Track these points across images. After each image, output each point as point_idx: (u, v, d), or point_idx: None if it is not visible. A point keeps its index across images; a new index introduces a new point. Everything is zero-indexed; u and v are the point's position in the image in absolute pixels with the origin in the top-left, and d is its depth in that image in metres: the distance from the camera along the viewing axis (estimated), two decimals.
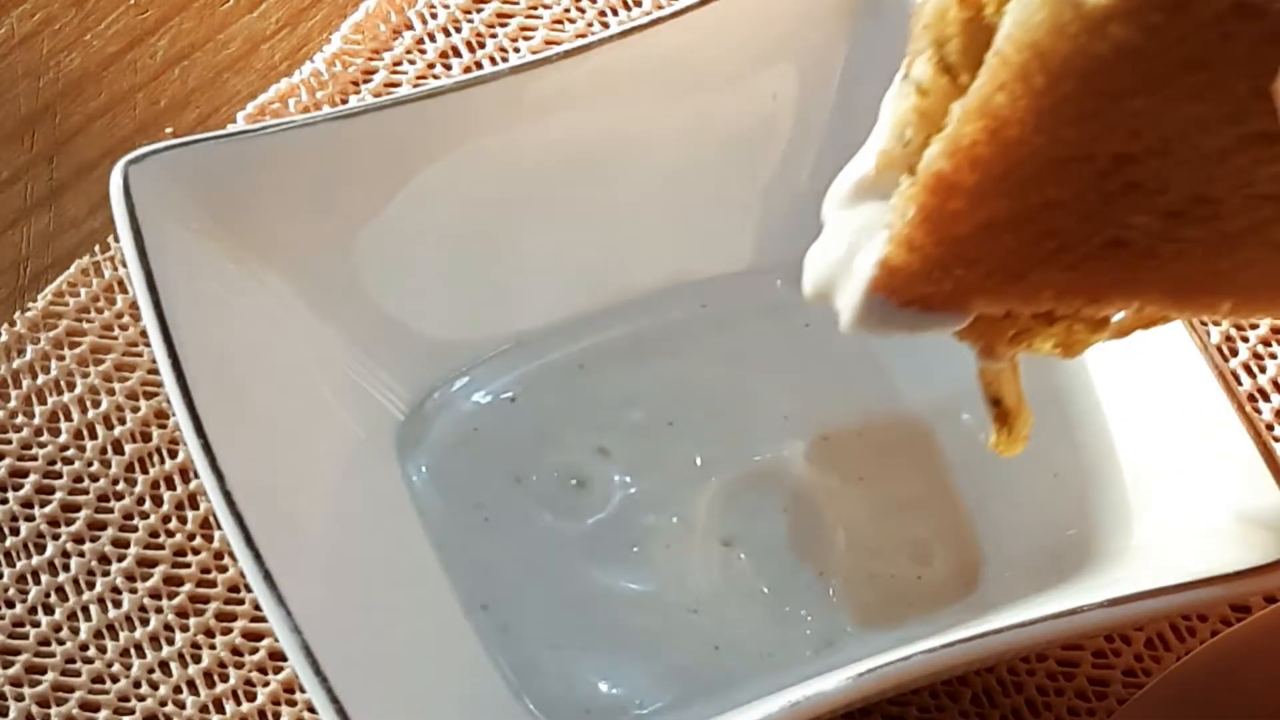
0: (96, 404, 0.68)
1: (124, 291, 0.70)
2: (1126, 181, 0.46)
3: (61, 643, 0.65)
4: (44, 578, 0.66)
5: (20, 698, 0.64)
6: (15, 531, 0.66)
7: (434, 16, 0.76)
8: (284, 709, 0.64)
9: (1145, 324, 0.52)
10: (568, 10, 0.76)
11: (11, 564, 0.66)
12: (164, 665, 0.64)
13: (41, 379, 0.69)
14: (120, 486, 0.67)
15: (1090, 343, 0.52)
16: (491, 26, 0.76)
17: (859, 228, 0.51)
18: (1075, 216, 0.47)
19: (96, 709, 0.64)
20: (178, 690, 0.64)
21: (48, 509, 0.67)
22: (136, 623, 0.65)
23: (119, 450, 0.68)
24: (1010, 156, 0.46)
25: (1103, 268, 0.48)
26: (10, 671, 0.64)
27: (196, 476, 0.66)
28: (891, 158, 0.51)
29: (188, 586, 0.65)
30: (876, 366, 0.68)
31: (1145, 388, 0.62)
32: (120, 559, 0.66)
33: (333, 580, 0.60)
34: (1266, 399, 0.69)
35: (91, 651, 0.64)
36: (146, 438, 0.68)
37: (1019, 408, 0.55)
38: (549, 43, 0.75)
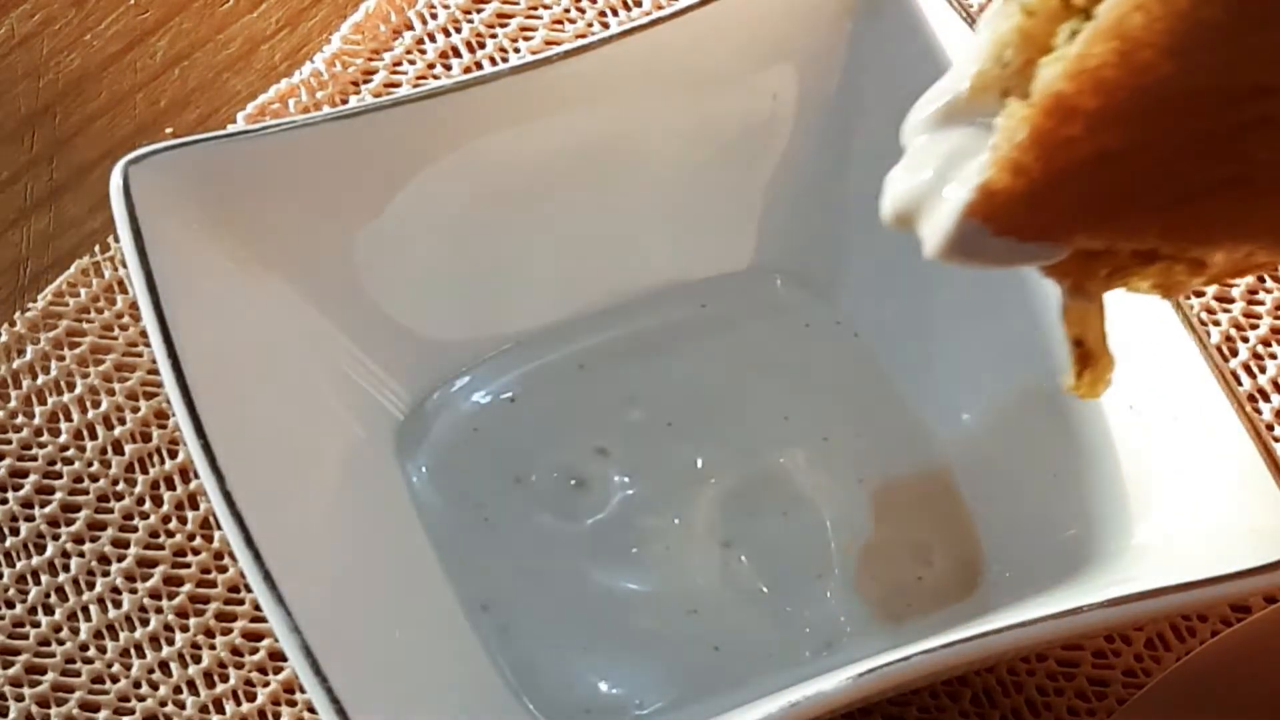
0: (96, 404, 0.68)
1: (124, 292, 0.70)
2: (1260, 115, 0.45)
3: (61, 643, 0.65)
4: (44, 578, 0.66)
5: (20, 698, 0.64)
6: (15, 532, 0.66)
7: (434, 17, 0.76)
8: (284, 709, 0.64)
9: (1247, 270, 0.51)
10: (568, 10, 0.76)
11: (11, 564, 0.66)
12: (164, 665, 0.64)
13: (41, 379, 0.69)
14: (120, 487, 0.67)
15: (1189, 285, 0.50)
16: (491, 27, 0.76)
17: (951, 151, 0.49)
18: (1198, 151, 0.45)
19: (96, 709, 0.64)
20: (178, 690, 0.64)
21: (48, 509, 0.67)
22: (136, 623, 0.65)
23: (119, 450, 0.67)
24: (1139, 82, 0.44)
25: (1218, 207, 0.46)
26: (10, 672, 0.64)
27: (196, 477, 0.66)
28: (988, 79, 0.49)
29: (188, 587, 0.65)
30: (877, 367, 0.68)
31: (1145, 388, 0.62)
32: (120, 559, 0.66)
33: (332, 580, 0.60)
34: (1266, 399, 0.69)
35: (91, 652, 0.64)
36: (146, 438, 0.68)
37: (1102, 349, 0.53)
38: (549, 43, 0.75)
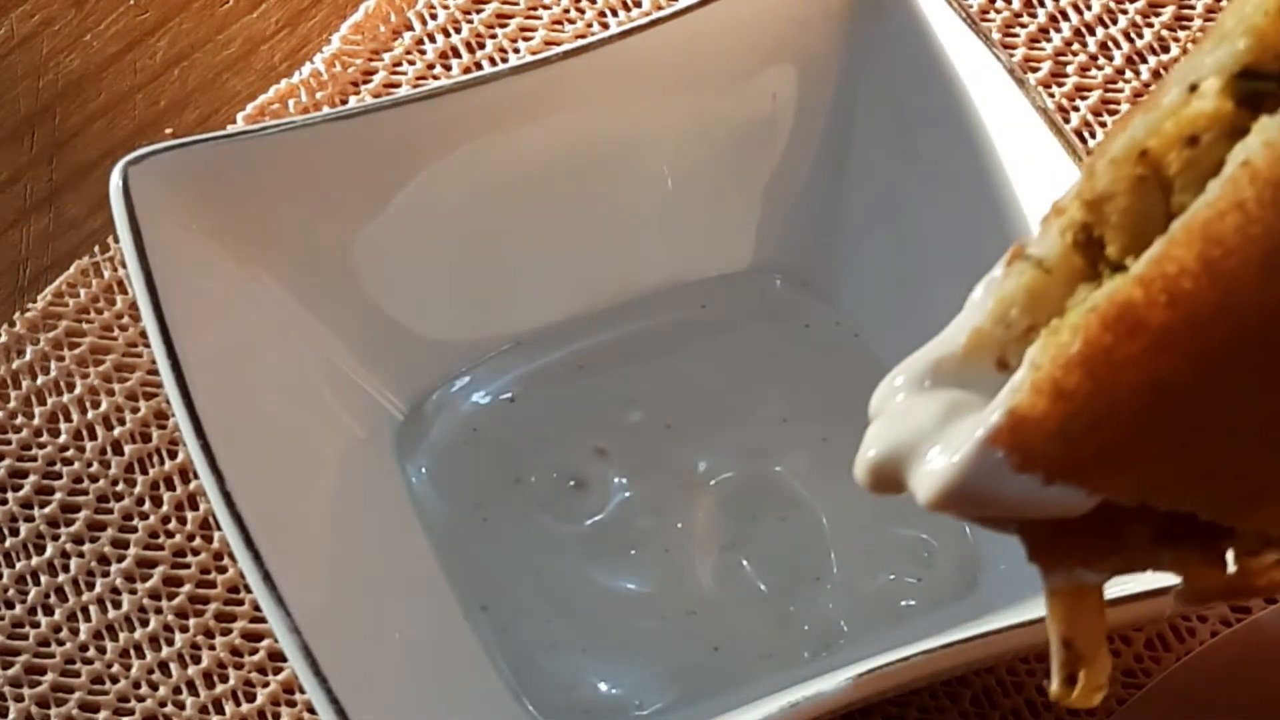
0: (96, 405, 0.68)
1: (124, 292, 0.70)
2: None
3: (61, 643, 0.65)
4: (43, 578, 0.66)
5: (20, 698, 0.64)
6: (15, 532, 0.66)
7: (434, 17, 0.76)
8: (283, 710, 0.64)
9: None
10: (568, 10, 0.76)
11: (11, 565, 0.66)
12: (164, 666, 0.64)
13: (41, 379, 0.69)
14: (120, 487, 0.67)
15: (1217, 590, 0.43)
16: (491, 27, 0.76)
17: (952, 403, 0.43)
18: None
19: (96, 710, 0.64)
20: (177, 691, 0.64)
21: (47, 510, 0.67)
22: (136, 623, 0.65)
23: (119, 451, 0.67)
24: (1223, 300, 0.38)
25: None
26: (10, 672, 0.64)
27: (196, 477, 0.66)
28: (985, 339, 0.43)
29: (187, 587, 0.65)
30: (877, 368, 0.68)
31: None
32: (120, 560, 0.66)
33: (332, 581, 0.60)
34: None
35: (91, 652, 0.64)
36: (146, 438, 0.68)
37: (1097, 651, 0.44)
38: (549, 43, 0.75)
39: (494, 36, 0.76)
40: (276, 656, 0.64)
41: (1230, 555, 0.43)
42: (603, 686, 0.62)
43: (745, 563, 0.64)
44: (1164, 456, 0.40)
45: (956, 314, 0.66)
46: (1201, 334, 0.38)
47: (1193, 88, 0.41)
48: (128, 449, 0.68)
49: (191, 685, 0.64)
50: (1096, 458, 0.40)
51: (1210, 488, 0.41)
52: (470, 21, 0.76)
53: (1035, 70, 0.74)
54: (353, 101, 0.74)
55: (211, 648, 0.64)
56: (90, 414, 0.68)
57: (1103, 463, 0.40)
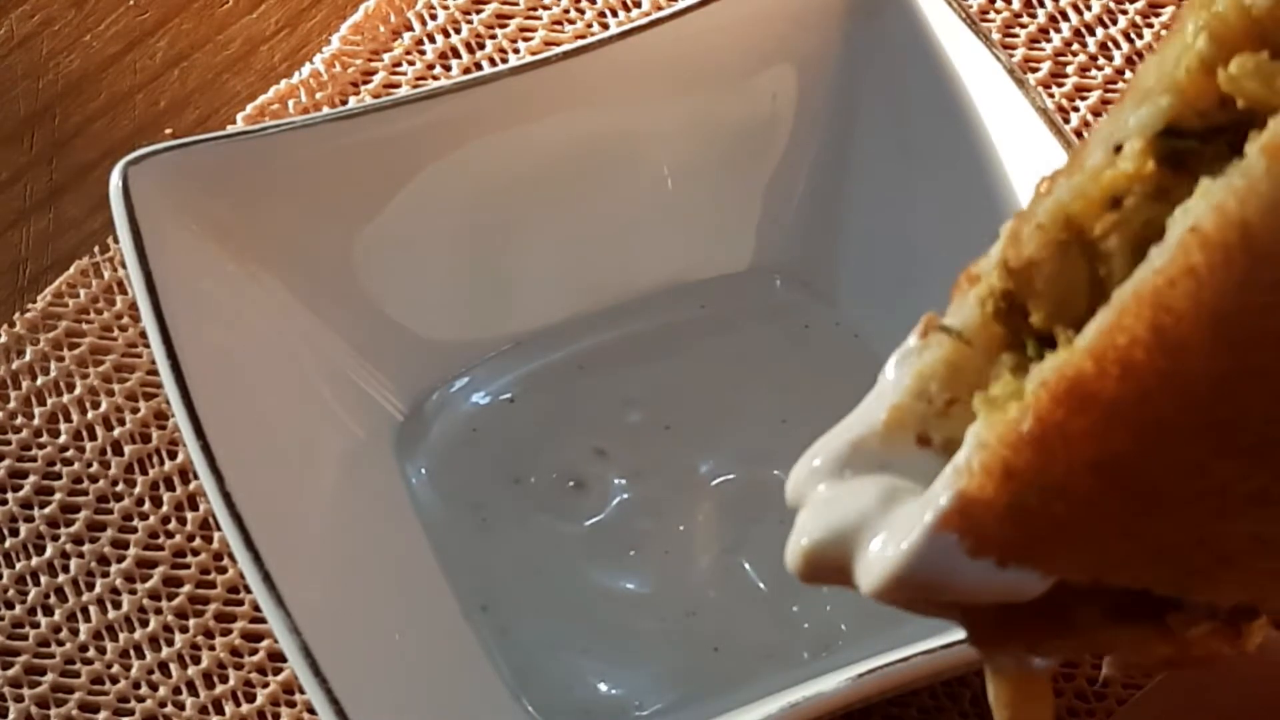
0: (96, 405, 0.68)
1: (123, 292, 0.70)
2: None
3: (61, 644, 0.65)
4: (43, 579, 0.66)
5: (20, 699, 0.64)
6: (15, 533, 0.66)
7: (433, 17, 0.76)
8: (283, 710, 0.64)
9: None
10: (567, 11, 0.76)
11: (11, 565, 0.66)
12: (163, 666, 0.64)
13: (41, 380, 0.69)
14: (120, 488, 0.67)
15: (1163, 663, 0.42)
16: (491, 27, 0.76)
17: (883, 489, 0.41)
18: (1243, 463, 0.38)
19: (96, 710, 0.64)
20: (177, 691, 0.64)
21: (47, 510, 0.67)
22: (136, 624, 0.65)
23: (118, 451, 0.67)
24: (1174, 366, 0.37)
25: (1241, 545, 0.39)
26: (10, 673, 0.64)
27: (196, 477, 0.66)
28: (905, 415, 0.42)
29: (187, 588, 0.65)
30: (877, 368, 0.68)
31: None
32: (120, 560, 0.66)
33: (332, 581, 0.60)
34: None
35: (91, 653, 0.64)
36: (146, 439, 0.68)
37: None
38: (549, 43, 0.75)
39: (494, 36, 0.76)
40: (276, 656, 0.64)
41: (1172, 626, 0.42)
42: (603, 687, 0.62)
43: (745, 563, 0.64)
44: (1119, 532, 0.39)
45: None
46: (1152, 405, 0.37)
47: (1117, 148, 0.40)
48: (128, 449, 0.67)
49: (191, 686, 0.64)
50: (1051, 537, 0.39)
51: (1167, 562, 0.40)
52: (470, 22, 0.76)
53: (1035, 70, 0.74)
54: (353, 101, 0.74)
55: (211, 648, 0.64)
56: (90, 414, 0.68)
57: (1058, 542, 0.39)
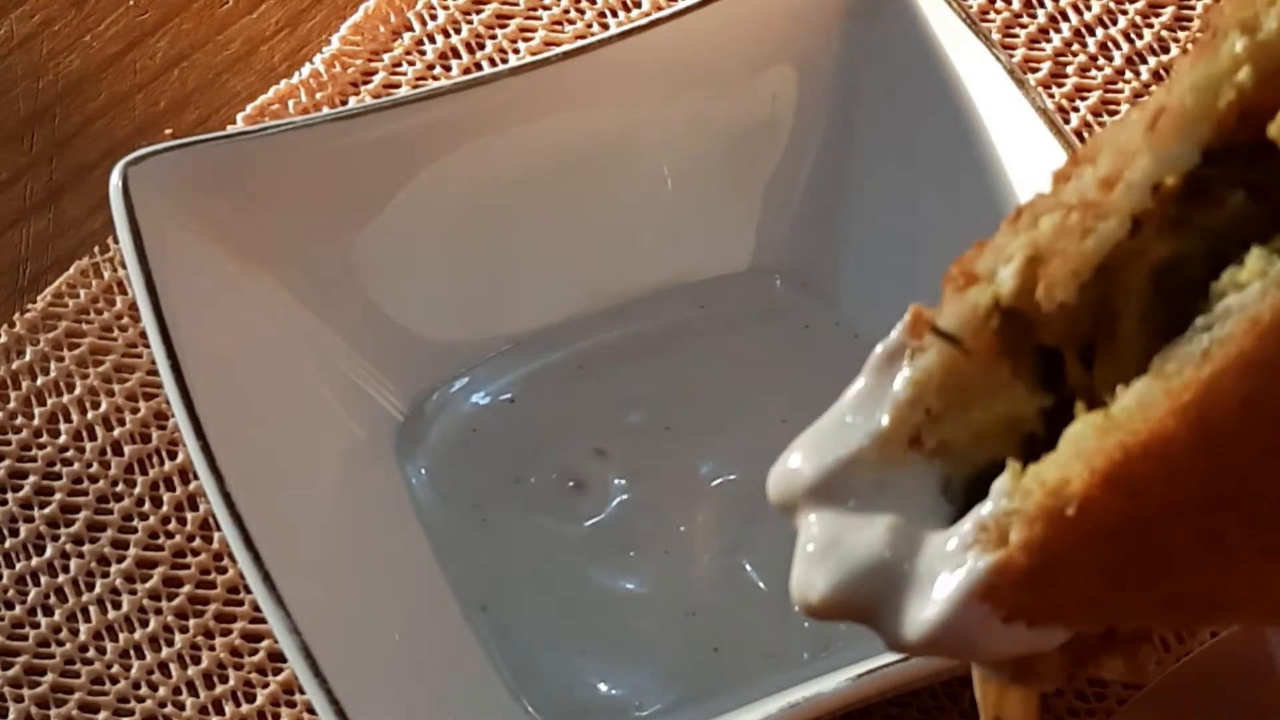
0: (96, 405, 0.68)
1: (123, 293, 0.70)
2: None
3: (61, 644, 0.65)
4: (43, 579, 0.66)
5: (20, 699, 0.64)
6: (15, 533, 0.66)
7: (433, 18, 0.76)
8: (283, 710, 0.64)
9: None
10: (567, 11, 0.76)
11: (11, 565, 0.66)
12: (163, 666, 0.64)
13: (41, 380, 0.69)
14: (120, 488, 0.67)
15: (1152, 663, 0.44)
16: (491, 28, 0.76)
17: (896, 523, 0.41)
18: (1255, 529, 0.39)
19: (96, 710, 0.64)
20: (177, 691, 0.64)
21: (47, 510, 0.67)
22: (136, 624, 0.65)
23: (118, 451, 0.67)
24: (1210, 448, 0.38)
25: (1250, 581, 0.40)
26: (10, 673, 0.64)
27: (196, 478, 0.66)
28: (902, 425, 0.41)
29: (187, 588, 0.65)
30: None
31: None
32: (120, 560, 0.66)
33: (332, 581, 0.60)
34: None
35: (91, 653, 0.64)
36: (146, 439, 0.68)
37: None
38: (549, 43, 0.75)
39: (494, 37, 0.76)
40: (276, 657, 0.64)
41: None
42: (603, 687, 0.62)
43: (745, 563, 0.64)
44: (1137, 589, 0.39)
45: None
46: (1181, 482, 0.38)
47: (1155, 187, 0.40)
48: (127, 449, 0.67)
49: (191, 686, 0.64)
50: (1078, 601, 0.39)
51: (1174, 609, 0.40)
52: (470, 22, 0.76)
53: (1035, 70, 0.74)
54: (353, 101, 0.74)
55: (211, 648, 0.64)
56: (90, 415, 0.68)
57: (1083, 604, 0.39)
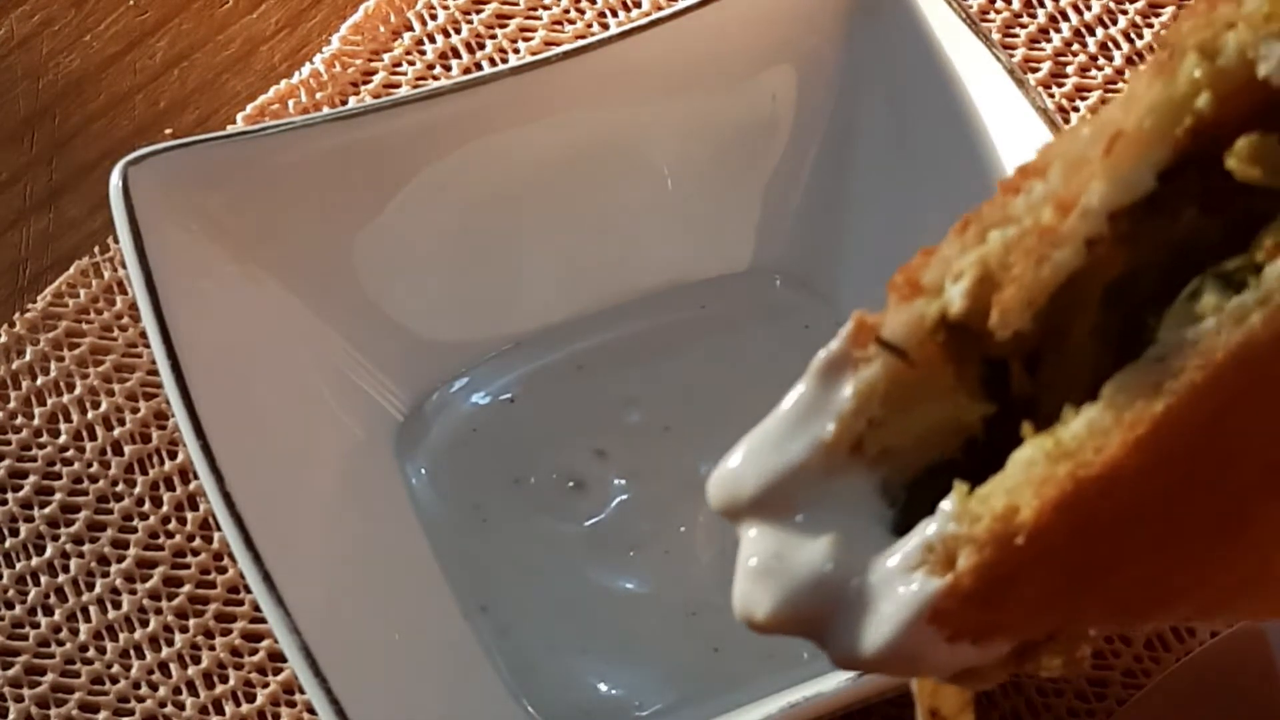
0: (96, 405, 0.68)
1: (123, 292, 0.70)
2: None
3: (61, 644, 0.65)
4: (43, 579, 0.66)
5: (20, 699, 0.64)
6: (15, 533, 0.66)
7: (433, 18, 0.76)
8: (283, 710, 0.64)
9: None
10: (567, 11, 0.76)
11: (11, 565, 0.66)
12: (163, 666, 0.64)
13: (41, 380, 0.69)
14: (120, 488, 0.67)
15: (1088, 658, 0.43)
16: (491, 27, 0.76)
17: (841, 538, 0.40)
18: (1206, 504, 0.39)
19: (96, 710, 0.64)
20: (177, 691, 0.64)
21: (47, 510, 0.67)
22: (136, 624, 0.65)
23: (118, 451, 0.67)
24: (1161, 470, 0.38)
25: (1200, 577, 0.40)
26: (10, 673, 0.64)
27: (196, 478, 0.66)
28: (846, 435, 0.41)
29: (187, 588, 0.65)
30: None
31: None
32: (120, 560, 0.66)
33: (332, 581, 0.60)
34: None
35: (91, 653, 0.64)
36: (146, 439, 0.68)
37: (963, 714, 0.45)
38: (549, 43, 0.75)
39: (494, 37, 0.76)
40: (276, 657, 0.64)
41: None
42: (603, 687, 0.62)
43: None
44: (1085, 597, 0.40)
45: None
46: (1137, 499, 0.38)
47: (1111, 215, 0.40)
48: (128, 449, 0.67)
49: (191, 686, 0.64)
50: (1023, 616, 0.39)
51: (1118, 612, 0.41)
52: (470, 22, 0.76)
53: (1035, 70, 0.74)
54: (353, 101, 0.74)
55: (211, 648, 0.64)
56: (90, 414, 0.68)
57: (1029, 616, 0.40)
